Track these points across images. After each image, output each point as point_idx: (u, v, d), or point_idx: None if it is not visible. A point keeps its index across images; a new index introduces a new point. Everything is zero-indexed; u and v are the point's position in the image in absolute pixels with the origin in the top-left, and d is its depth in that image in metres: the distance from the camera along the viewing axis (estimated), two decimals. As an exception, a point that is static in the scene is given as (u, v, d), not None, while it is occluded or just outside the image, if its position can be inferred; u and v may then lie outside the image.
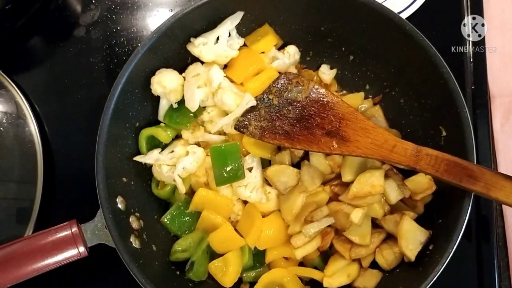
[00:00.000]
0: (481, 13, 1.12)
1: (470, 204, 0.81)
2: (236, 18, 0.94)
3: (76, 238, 0.82)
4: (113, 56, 1.11)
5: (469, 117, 0.83)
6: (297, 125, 0.86)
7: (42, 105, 1.08)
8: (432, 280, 0.78)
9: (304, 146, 0.86)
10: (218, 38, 0.93)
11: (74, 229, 0.82)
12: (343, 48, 1.01)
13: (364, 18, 0.92)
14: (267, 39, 0.98)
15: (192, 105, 0.92)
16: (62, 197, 1.04)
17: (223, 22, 0.94)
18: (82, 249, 0.82)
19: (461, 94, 0.84)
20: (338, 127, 0.84)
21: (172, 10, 1.15)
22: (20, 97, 1.03)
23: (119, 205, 0.86)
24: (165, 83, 0.91)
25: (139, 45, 0.88)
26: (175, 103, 0.95)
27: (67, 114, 1.08)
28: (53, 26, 1.15)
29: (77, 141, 1.05)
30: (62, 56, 1.12)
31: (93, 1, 1.15)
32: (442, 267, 0.78)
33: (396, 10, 1.03)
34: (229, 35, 0.95)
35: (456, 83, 0.84)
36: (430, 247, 0.84)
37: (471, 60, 1.10)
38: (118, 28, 1.13)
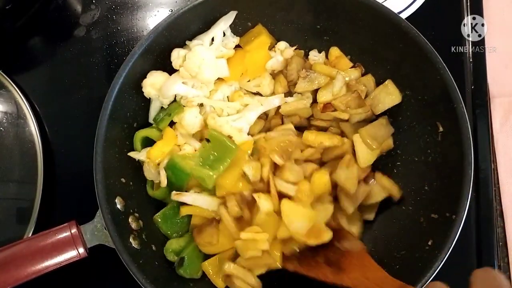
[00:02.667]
0: (481, 13, 1.12)
1: (469, 198, 0.81)
2: (229, 18, 0.95)
3: (76, 239, 0.82)
4: (113, 56, 1.11)
5: (465, 112, 0.83)
6: (304, 253, 0.86)
7: (42, 105, 1.08)
8: (431, 276, 0.78)
9: (303, 270, 0.85)
10: (213, 39, 0.94)
11: (74, 230, 0.82)
12: (339, 46, 1.01)
13: (359, 15, 0.92)
14: (260, 40, 0.98)
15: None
16: (62, 197, 1.04)
17: (217, 22, 0.94)
18: (81, 250, 0.82)
19: (457, 90, 0.84)
20: (339, 259, 0.84)
21: (172, 10, 1.15)
22: (20, 97, 1.03)
23: (118, 206, 0.86)
24: (159, 86, 0.90)
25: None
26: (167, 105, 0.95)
27: (67, 114, 1.08)
28: (53, 26, 1.15)
29: (77, 141, 1.05)
30: (62, 56, 1.12)
31: (94, 1, 1.15)
32: (441, 262, 0.78)
33: (396, 10, 1.03)
34: (224, 34, 0.95)
35: (452, 79, 0.84)
36: (429, 243, 0.84)
37: (471, 60, 1.10)
38: (119, 28, 1.13)
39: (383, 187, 0.95)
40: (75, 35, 1.13)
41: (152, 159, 0.91)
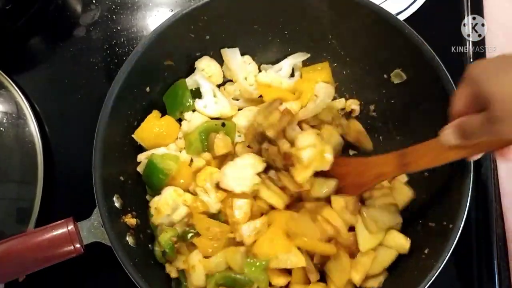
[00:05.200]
0: (481, 13, 1.12)
1: (467, 208, 0.80)
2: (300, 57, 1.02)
3: (72, 235, 0.82)
4: (113, 56, 1.11)
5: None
6: None
7: (42, 105, 1.08)
8: (426, 284, 0.77)
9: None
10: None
11: (71, 226, 0.82)
12: (342, 52, 1.00)
13: (357, 17, 0.91)
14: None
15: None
16: (62, 197, 1.04)
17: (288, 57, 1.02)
18: (78, 247, 0.82)
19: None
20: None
21: (172, 10, 1.15)
22: (20, 97, 1.03)
23: (116, 204, 0.86)
24: (210, 68, 0.96)
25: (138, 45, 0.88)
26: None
27: (67, 114, 1.08)
28: (53, 26, 1.15)
29: (77, 141, 1.05)
30: (62, 56, 1.12)
31: (93, 1, 1.15)
32: (437, 271, 0.77)
33: (396, 11, 1.03)
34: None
35: (452, 83, 0.83)
36: (426, 251, 0.83)
37: (471, 60, 1.10)
38: (118, 28, 1.13)
39: (390, 246, 0.89)
40: (75, 35, 1.13)
41: (139, 136, 0.93)
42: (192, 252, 0.89)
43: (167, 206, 0.89)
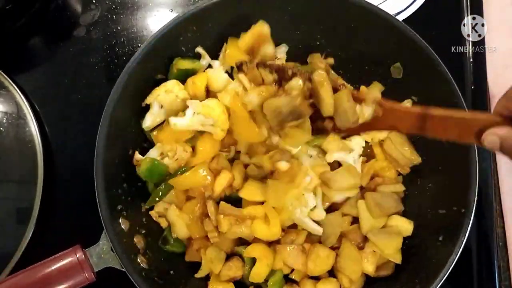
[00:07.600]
0: (481, 13, 1.12)
1: (476, 190, 0.81)
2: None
3: (82, 263, 0.79)
4: (113, 56, 1.11)
5: (466, 110, 0.83)
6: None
7: (42, 105, 1.08)
8: (447, 271, 0.78)
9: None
10: None
11: (79, 254, 0.80)
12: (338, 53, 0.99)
13: (357, 20, 0.90)
14: None
15: None
16: (62, 197, 1.03)
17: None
18: (89, 274, 0.80)
19: (458, 88, 0.84)
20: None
21: (172, 10, 1.15)
22: (20, 97, 1.03)
23: (123, 226, 0.85)
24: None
25: (140, 45, 0.87)
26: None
27: (67, 114, 1.08)
28: (53, 26, 1.15)
29: (77, 141, 1.05)
30: (62, 56, 1.12)
31: (93, 1, 1.15)
32: (457, 256, 0.79)
33: (396, 11, 1.03)
34: None
35: (455, 84, 0.84)
36: (440, 238, 0.84)
37: (471, 60, 1.10)
38: (118, 28, 1.13)
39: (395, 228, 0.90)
40: (75, 35, 1.13)
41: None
42: (170, 208, 0.90)
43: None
